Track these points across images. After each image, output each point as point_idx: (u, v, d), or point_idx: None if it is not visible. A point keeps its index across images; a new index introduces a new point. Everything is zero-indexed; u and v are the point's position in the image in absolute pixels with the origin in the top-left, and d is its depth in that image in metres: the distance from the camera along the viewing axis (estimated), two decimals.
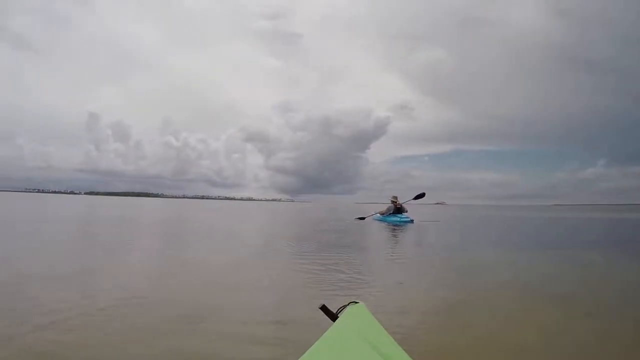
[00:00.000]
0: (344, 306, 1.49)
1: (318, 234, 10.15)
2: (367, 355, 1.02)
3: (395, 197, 15.10)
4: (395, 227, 12.46)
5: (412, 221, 14.07)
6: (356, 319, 1.35)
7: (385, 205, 15.80)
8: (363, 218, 16.62)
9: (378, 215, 15.87)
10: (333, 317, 1.44)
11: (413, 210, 16.80)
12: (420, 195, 16.24)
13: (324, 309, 1.46)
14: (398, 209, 14.88)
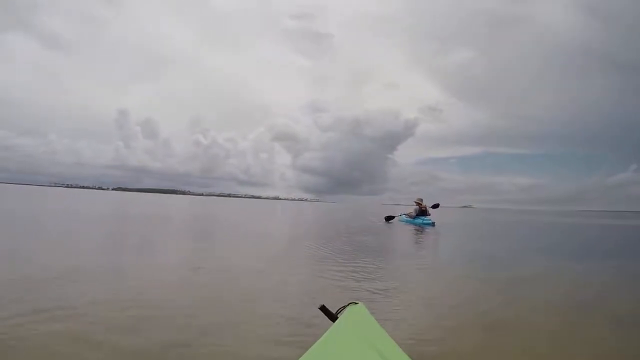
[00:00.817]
0: (344, 307, 1.48)
1: (344, 236, 9.48)
2: (367, 356, 1.02)
3: (420, 200, 15.19)
4: (418, 229, 12.67)
5: (433, 224, 14.04)
6: (356, 320, 1.35)
7: (411, 207, 15.73)
8: (392, 217, 16.58)
9: (404, 217, 15.93)
10: (333, 317, 1.43)
11: (439, 213, 16.28)
12: (435, 206, 16.31)
13: (323, 309, 1.46)
14: (422, 212, 14.92)
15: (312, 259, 5.61)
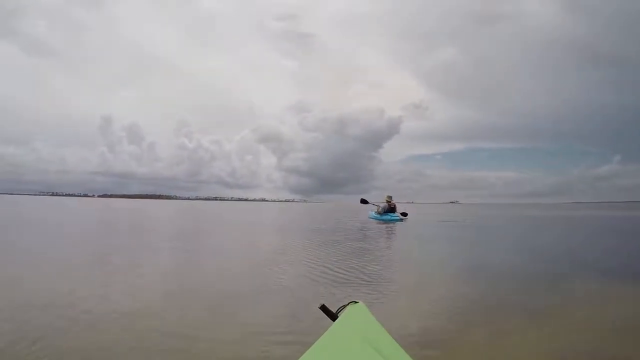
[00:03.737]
0: (344, 306, 1.49)
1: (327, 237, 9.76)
2: (367, 355, 1.01)
3: (390, 197, 16.65)
4: (389, 225, 14.07)
5: (401, 220, 15.72)
6: (356, 319, 1.35)
7: (395, 204, 16.94)
8: (367, 202, 17.98)
9: (373, 212, 17.28)
10: (333, 317, 1.45)
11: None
12: (404, 214, 17.02)
13: (323, 308, 1.47)
14: (391, 208, 16.45)
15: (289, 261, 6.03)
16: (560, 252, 7.74)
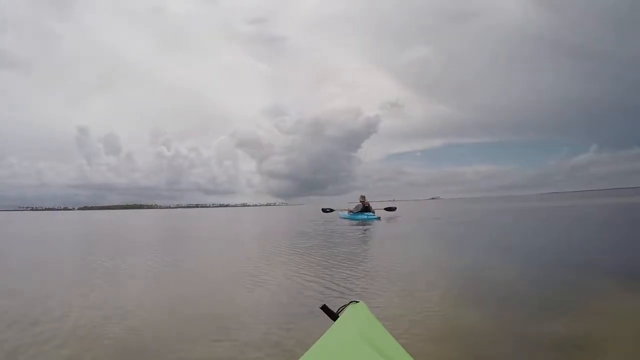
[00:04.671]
0: (345, 306, 1.49)
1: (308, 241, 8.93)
2: (368, 355, 1.00)
3: (363, 197, 15.99)
4: (366, 224, 13.11)
5: (378, 218, 14.91)
6: (357, 319, 1.34)
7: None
8: (330, 210, 17.37)
9: (346, 213, 16.49)
10: (334, 316, 1.44)
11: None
12: (392, 209, 17.36)
13: (324, 308, 1.47)
14: (366, 208, 15.68)
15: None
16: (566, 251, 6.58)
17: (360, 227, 12.05)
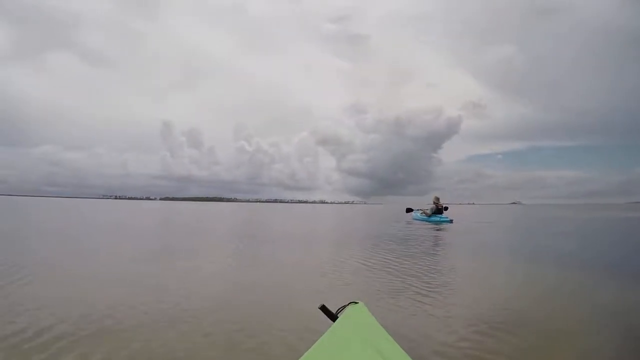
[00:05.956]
0: (344, 306, 1.48)
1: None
2: (367, 355, 1.01)
3: (437, 198, 15.31)
4: (437, 227, 12.50)
5: (451, 221, 14.22)
6: (356, 319, 1.35)
7: (443, 205, 15.62)
8: (411, 210, 17.34)
9: (419, 214, 16.05)
10: (333, 317, 1.43)
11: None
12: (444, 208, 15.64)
13: (323, 309, 1.45)
14: (439, 210, 15.11)
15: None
16: None
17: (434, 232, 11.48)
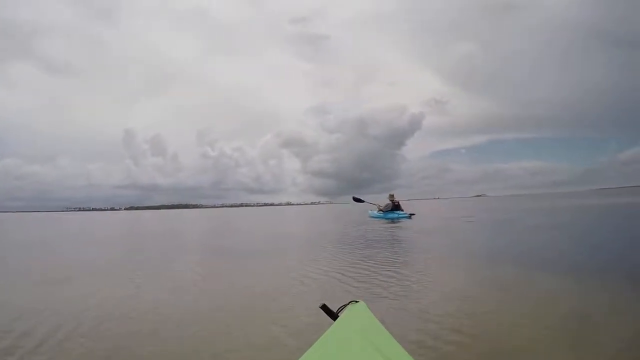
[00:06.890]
0: (345, 305, 1.46)
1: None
2: (368, 354, 1.00)
3: (392, 195, 15.35)
4: (394, 224, 12.34)
5: (409, 217, 14.19)
6: (357, 318, 1.33)
7: (399, 202, 15.44)
8: (361, 201, 16.89)
9: (375, 211, 15.88)
10: (334, 316, 1.42)
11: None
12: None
13: (324, 308, 1.43)
14: (396, 206, 15.07)
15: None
16: None
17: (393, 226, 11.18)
